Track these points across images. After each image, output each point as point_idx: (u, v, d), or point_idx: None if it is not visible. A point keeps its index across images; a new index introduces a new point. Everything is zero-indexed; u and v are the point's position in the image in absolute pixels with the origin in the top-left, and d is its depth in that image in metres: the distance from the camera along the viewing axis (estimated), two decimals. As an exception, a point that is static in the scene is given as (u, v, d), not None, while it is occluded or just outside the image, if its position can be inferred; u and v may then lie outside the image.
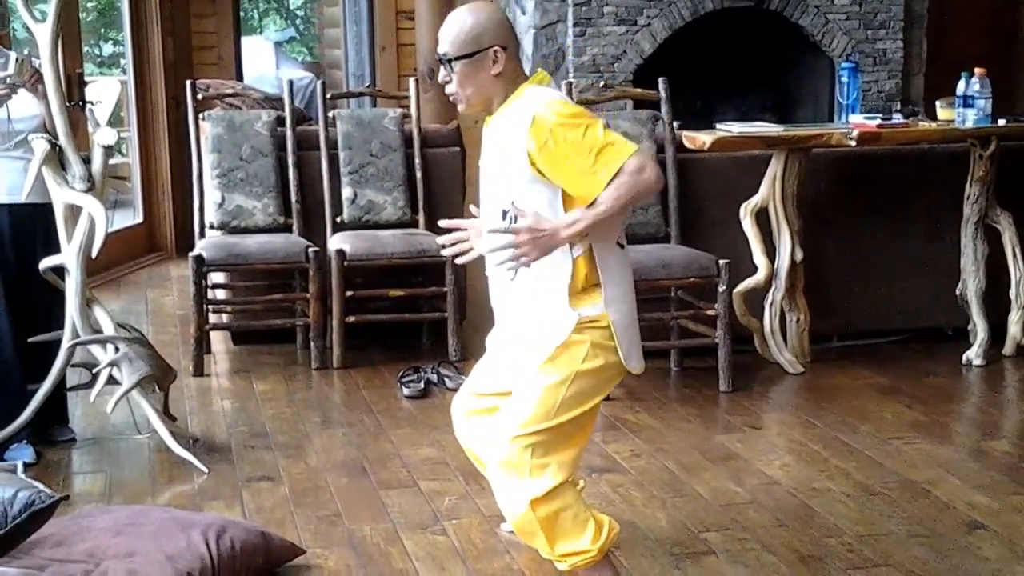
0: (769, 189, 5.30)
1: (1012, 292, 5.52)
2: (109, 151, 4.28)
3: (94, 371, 4.28)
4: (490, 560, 3.54)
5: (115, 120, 10.03)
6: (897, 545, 3.60)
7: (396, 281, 5.61)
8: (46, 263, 4.26)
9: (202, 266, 5.40)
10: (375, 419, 4.83)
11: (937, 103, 5.60)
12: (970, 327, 5.56)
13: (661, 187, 3.07)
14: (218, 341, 5.93)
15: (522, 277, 3.06)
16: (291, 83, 6.01)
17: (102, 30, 12.57)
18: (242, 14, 10.44)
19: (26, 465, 4.20)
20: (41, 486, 3.18)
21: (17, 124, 4.30)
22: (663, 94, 5.46)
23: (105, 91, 9.47)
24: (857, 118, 5.42)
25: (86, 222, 4.21)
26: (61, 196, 4.22)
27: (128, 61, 8.15)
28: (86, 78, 7.43)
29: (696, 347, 5.31)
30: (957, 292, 5.59)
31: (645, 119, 5.42)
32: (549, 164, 2.96)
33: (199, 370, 5.42)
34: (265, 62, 11.96)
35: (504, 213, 3.07)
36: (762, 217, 5.32)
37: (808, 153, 5.31)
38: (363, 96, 6.90)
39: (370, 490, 4.08)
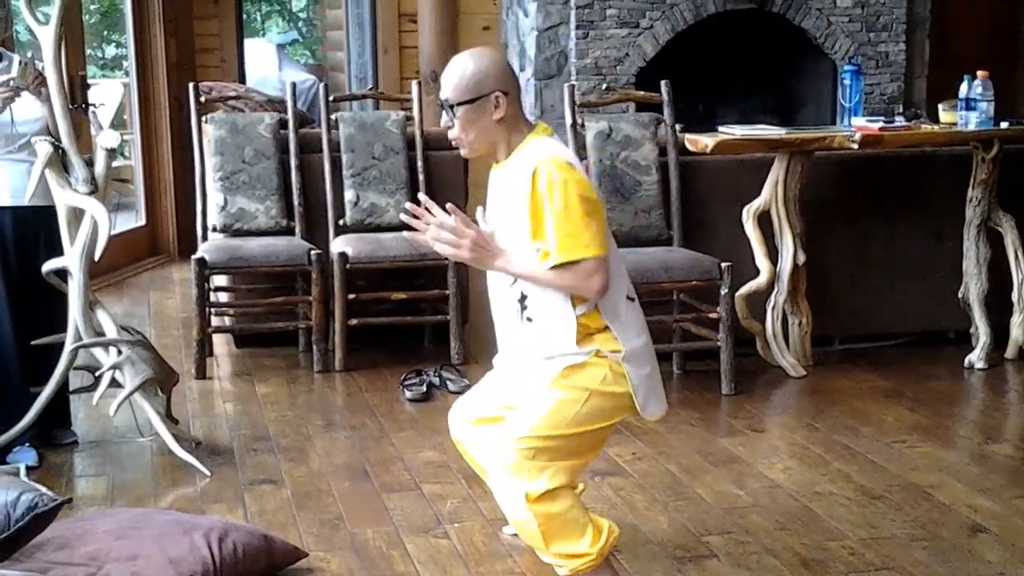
0: (771, 192, 5.30)
1: (1014, 295, 5.52)
2: (112, 154, 4.28)
3: (97, 374, 4.28)
4: (492, 563, 3.54)
5: (118, 123, 10.04)
6: (899, 548, 3.60)
7: (398, 284, 5.61)
8: (49, 266, 4.26)
9: (204, 269, 5.41)
10: (377, 422, 4.83)
11: (940, 106, 5.60)
12: (972, 330, 5.56)
13: (601, 296, 3.08)
14: (220, 344, 5.94)
15: (527, 329, 3.14)
16: (294, 85, 6.02)
17: (105, 32, 12.57)
18: (245, 16, 10.45)
19: (29, 468, 4.19)
20: (44, 489, 3.18)
21: (20, 127, 4.31)
22: (665, 97, 5.46)
23: (108, 94, 9.48)
24: (859, 121, 5.42)
25: (89, 225, 4.22)
26: (64, 199, 4.22)
27: (131, 63, 8.16)
28: (89, 80, 7.41)
29: (698, 350, 5.31)
30: (959, 295, 5.59)
31: (647, 122, 5.42)
32: (530, 209, 3.02)
33: (201, 373, 5.42)
34: (268, 65, 11.95)
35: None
36: (764, 220, 5.32)
37: (810, 156, 5.31)
38: (366, 99, 6.89)
39: (372, 493, 4.08)
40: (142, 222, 8.22)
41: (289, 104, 5.87)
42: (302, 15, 16.48)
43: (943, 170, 5.66)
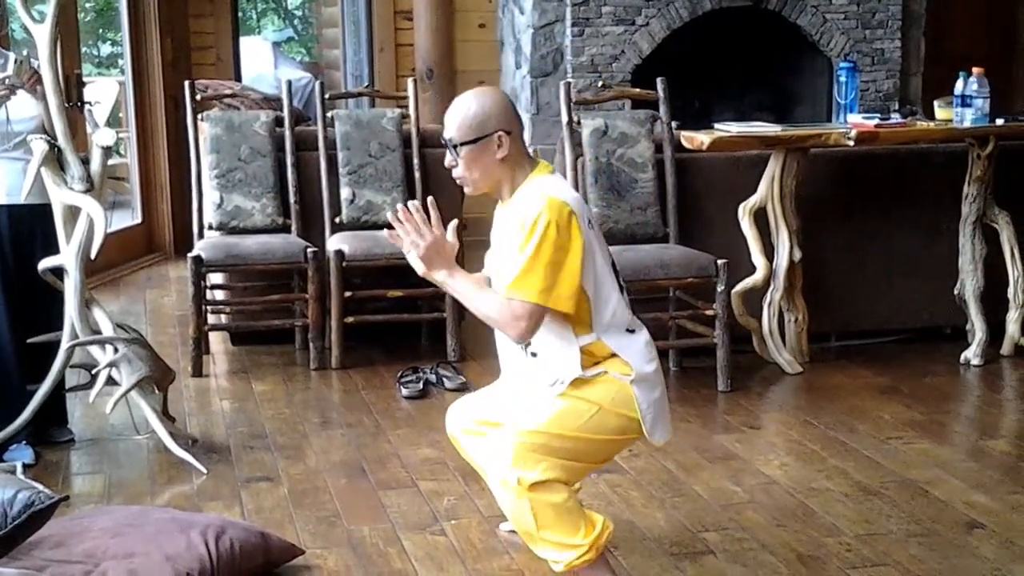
0: (767, 189, 5.30)
1: (1010, 292, 5.52)
2: (108, 152, 4.28)
3: (93, 372, 4.28)
4: (489, 560, 3.54)
5: (114, 121, 10.04)
6: (895, 544, 3.61)
7: (395, 282, 5.60)
8: (45, 264, 4.26)
9: (201, 267, 5.41)
10: (374, 419, 4.83)
11: (935, 102, 5.60)
12: (968, 327, 5.56)
13: (515, 340, 3.14)
14: (217, 342, 5.94)
15: (532, 364, 3.19)
16: (289, 83, 6.02)
17: (100, 30, 12.55)
18: (240, 14, 10.44)
19: (25, 466, 4.20)
20: (41, 487, 3.18)
21: (16, 125, 4.30)
22: (661, 94, 5.46)
23: (103, 92, 9.46)
24: (855, 118, 5.42)
25: (85, 223, 4.21)
26: (60, 197, 4.22)
27: (126, 62, 8.15)
28: (84, 79, 7.42)
29: (694, 347, 5.32)
30: (955, 292, 5.60)
31: (643, 119, 5.42)
32: (515, 237, 3.08)
33: (198, 371, 5.42)
34: (263, 62, 11.95)
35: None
36: (760, 217, 5.32)
37: (806, 153, 5.31)
38: (361, 96, 6.90)
39: (369, 490, 4.08)
40: (138, 220, 8.22)
41: (285, 102, 5.87)
42: (298, 13, 16.47)
43: (939, 167, 5.67)
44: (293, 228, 5.73)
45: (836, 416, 4.80)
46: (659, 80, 5.49)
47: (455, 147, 3.16)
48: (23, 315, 4.34)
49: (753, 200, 5.32)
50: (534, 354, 3.19)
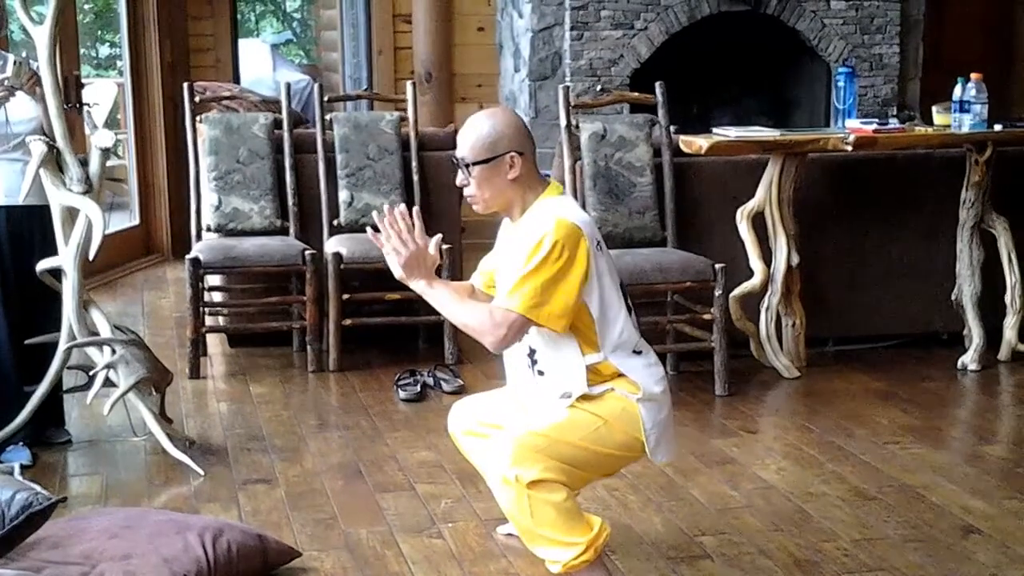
0: (765, 193, 5.30)
1: (1007, 297, 5.53)
2: (106, 153, 4.28)
3: (91, 373, 4.28)
4: (486, 563, 3.54)
5: (112, 122, 10.05)
6: (892, 549, 3.61)
7: (392, 284, 5.58)
8: (43, 265, 4.26)
9: (198, 268, 5.41)
10: (371, 422, 4.83)
11: (933, 108, 5.60)
12: (965, 332, 5.57)
13: (497, 349, 3.17)
14: (214, 344, 5.94)
15: (539, 382, 3.22)
16: (288, 86, 6.02)
17: (99, 32, 12.55)
18: (239, 17, 10.45)
19: (23, 467, 4.20)
20: (38, 488, 3.19)
21: (15, 126, 4.30)
22: (660, 98, 5.46)
23: (102, 93, 9.47)
24: (853, 123, 5.43)
25: (83, 224, 4.21)
26: (58, 198, 4.22)
27: (125, 63, 8.15)
28: (83, 80, 7.43)
29: (692, 351, 5.32)
30: (952, 297, 5.60)
31: (642, 123, 5.42)
32: (520, 254, 3.09)
33: (195, 372, 5.42)
34: (262, 65, 11.96)
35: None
36: (758, 221, 5.32)
37: (804, 158, 5.32)
38: (360, 99, 6.91)
39: (366, 493, 4.08)
40: (136, 222, 8.22)
41: (283, 104, 5.87)
42: (296, 15, 16.49)
43: (937, 172, 5.67)
44: (291, 230, 5.73)
45: (833, 421, 4.80)
46: (658, 84, 5.49)
47: (467, 166, 3.18)
48: (21, 316, 4.34)
49: (751, 204, 5.32)
50: (541, 372, 3.21)
